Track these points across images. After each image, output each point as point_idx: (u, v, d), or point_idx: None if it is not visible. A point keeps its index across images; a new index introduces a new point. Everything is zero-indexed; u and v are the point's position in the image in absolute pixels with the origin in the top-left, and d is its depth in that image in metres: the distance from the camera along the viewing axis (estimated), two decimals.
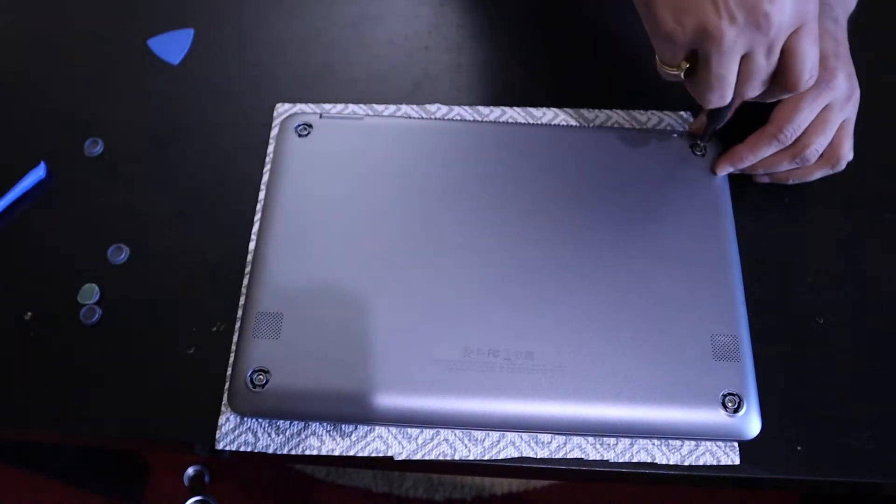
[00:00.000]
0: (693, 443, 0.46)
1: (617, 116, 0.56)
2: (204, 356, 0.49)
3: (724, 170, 0.52)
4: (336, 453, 0.46)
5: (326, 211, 0.50)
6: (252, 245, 0.52)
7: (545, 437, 0.46)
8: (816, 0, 0.42)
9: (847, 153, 0.50)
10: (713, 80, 0.43)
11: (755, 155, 0.51)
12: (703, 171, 0.52)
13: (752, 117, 0.51)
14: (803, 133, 0.49)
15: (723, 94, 0.44)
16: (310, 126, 0.53)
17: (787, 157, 0.50)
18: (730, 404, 0.44)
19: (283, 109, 0.57)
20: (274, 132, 0.56)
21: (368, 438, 0.46)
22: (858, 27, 0.54)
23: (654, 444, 0.46)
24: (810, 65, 0.43)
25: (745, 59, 0.43)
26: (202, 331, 0.50)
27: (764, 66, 0.43)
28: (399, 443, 0.46)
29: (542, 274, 0.48)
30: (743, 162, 0.51)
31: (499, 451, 0.46)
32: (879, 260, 0.52)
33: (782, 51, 0.42)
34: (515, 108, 0.57)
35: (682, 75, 0.45)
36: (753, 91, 0.45)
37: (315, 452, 0.46)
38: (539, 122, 0.56)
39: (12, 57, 0.60)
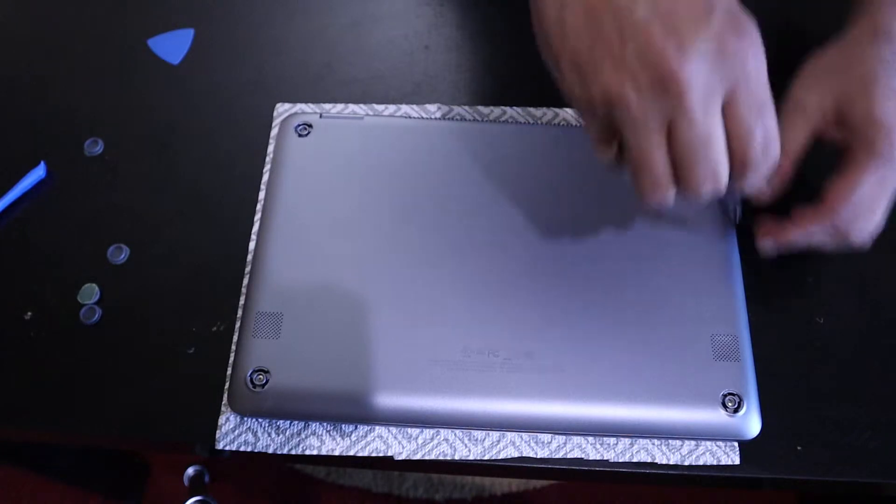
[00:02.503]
0: (693, 443, 0.46)
1: None
2: (204, 356, 0.49)
3: (768, 247, 0.45)
4: (336, 453, 0.46)
5: (326, 211, 0.50)
6: (252, 245, 0.52)
7: (545, 437, 0.46)
8: (759, 55, 0.34)
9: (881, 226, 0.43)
10: (635, 160, 0.35)
11: (806, 236, 0.43)
12: None
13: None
14: (855, 209, 0.42)
15: (655, 181, 0.35)
16: (310, 126, 0.53)
17: (836, 237, 0.43)
18: (730, 404, 0.44)
19: (283, 109, 0.57)
20: (274, 132, 0.56)
21: (368, 438, 0.46)
22: None
23: (654, 444, 0.46)
24: (757, 140, 0.34)
25: (671, 136, 0.34)
26: (202, 331, 0.50)
27: (694, 143, 0.34)
28: (399, 443, 0.46)
29: (542, 274, 0.48)
30: (791, 242, 0.44)
31: (499, 451, 0.46)
32: (879, 260, 0.52)
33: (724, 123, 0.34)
34: (515, 108, 0.57)
35: (617, 158, 0.37)
36: (696, 178, 0.35)
37: (315, 452, 0.46)
38: (539, 122, 0.56)
39: (12, 57, 0.60)
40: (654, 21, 0.32)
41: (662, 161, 0.35)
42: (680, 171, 0.35)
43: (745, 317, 0.47)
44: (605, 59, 0.33)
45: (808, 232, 0.43)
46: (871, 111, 0.42)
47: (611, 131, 0.36)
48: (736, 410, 0.44)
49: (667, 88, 0.32)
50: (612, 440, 0.46)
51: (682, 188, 0.36)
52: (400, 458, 0.46)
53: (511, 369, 0.45)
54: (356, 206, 0.50)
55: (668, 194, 0.36)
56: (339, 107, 0.57)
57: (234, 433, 0.47)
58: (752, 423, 0.45)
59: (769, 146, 0.35)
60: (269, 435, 0.47)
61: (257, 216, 0.53)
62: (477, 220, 0.49)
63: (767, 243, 0.45)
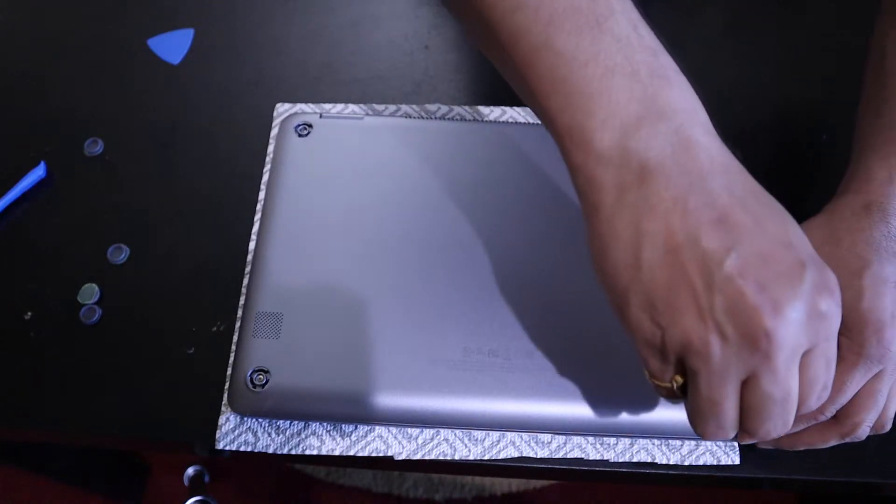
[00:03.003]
0: (693, 443, 0.46)
1: None
2: (204, 356, 0.49)
3: (763, 447, 0.45)
4: (336, 453, 0.46)
5: (326, 211, 0.50)
6: (252, 245, 0.52)
7: (545, 437, 0.46)
8: (839, 311, 0.32)
9: (891, 418, 0.41)
10: (704, 406, 0.33)
11: (796, 439, 0.43)
12: None
13: None
14: (851, 408, 0.40)
15: (720, 426, 0.34)
16: (310, 126, 0.53)
17: (835, 435, 0.41)
18: None
19: (283, 109, 0.57)
20: (274, 132, 0.56)
21: (368, 438, 0.46)
22: None
23: (654, 444, 0.46)
24: (818, 390, 0.34)
25: (748, 386, 0.33)
26: (202, 331, 0.50)
27: (772, 398, 0.32)
28: (399, 443, 0.46)
29: (543, 274, 0.48)
30: (782, 445, 0.43)
31: (499, 451, 0.46)
32: None
33: None
34: (515, 108, 0.57)
35: (678, 391, 0.35)
36: (766, 429, 0.34)
37: (315, 452, 0.46)
38: (539, 121, 0.56)
39: (12, 57, 0.60)
40: (746, 275, 0.31)
41: (733, 410, 0.34)
42: (750, 420, 0.34)
43: None
44: (689, 306, 0.31)
45: (799, 436, 0.42)
46: (857, 306, 0.39)
47: (674, 370, 0.34)
48: None
49: (757, 346, 0.31)
50: (612, 440, 0.46)
51: (746, 432, 0.35)
52: (400, 458, 0.46)
53: (511, 369, 0.45)
54: (356, 206, 0.50)
55: (730, 437, 0.36)
56: (339, 107, 0.57)
57: (234, 433, 0.47)
58: None
59: (825, 393, 0.34)
60: (269, 435, 0.47)
61: (257, 216, 0.53)
62: (477, 221, 0.49)
63: (762, 445, 0.44)
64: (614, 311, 0.35)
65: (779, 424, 0.34)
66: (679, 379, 0.34)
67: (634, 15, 0.34)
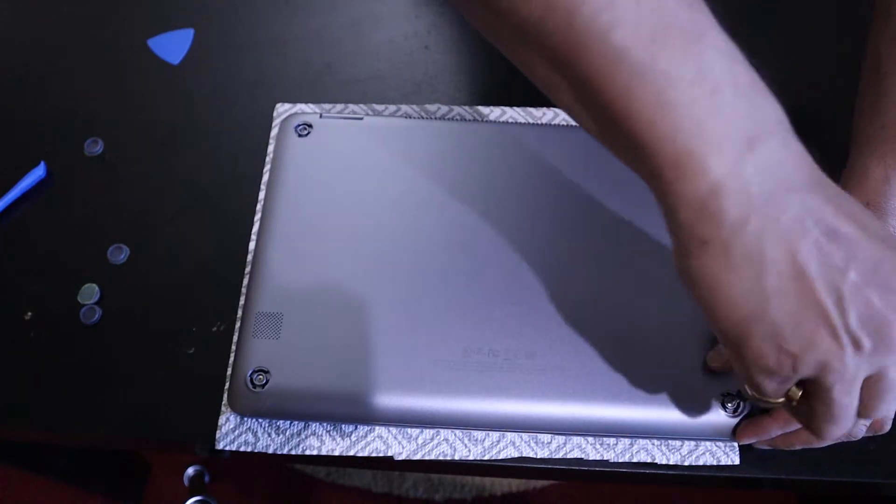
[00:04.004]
0: (693, 443, 0.46)
1: None
2: (204, 356, 0.49)
3: (748, 440, 0.44)
4: (336, 453, 0.46)
5: (326, 211, 0.50)
6: (252, 245, 0.52)
7: (545, 437, 0.46)
8: None
9: (890, 419, 0.40)
10: (838, 412, 0.34)
11: (784, 429, 0.43)
12: None
13: None
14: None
15: (846, 425, 0.35)
16: (310, 126, 0.53)
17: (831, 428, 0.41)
18: (729, 405, 0.44)
19: (283, 109, 0.57)
20: (274, 132, 0.56)
21: (368, 438, 0.46)
22: None
23: (654, 444, 0.46)
24: None
25: (874, 379, 0.34)
26: (202, 331, 0.50)
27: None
28: (399, 443, 0.46)
29: (543, 274, 0.48)
30: (769, 435, 0.43)
31: (499, 451, 0.46)
32: None
33: None
34: (515, 108, 0.57)
35: (792, 404, 0.36)
36: (888, 408, 0.35)
37: (315, 452, 0.46)
38: (539, 121, 0.56)
39: (12, 57, 0.60)
40: (869, 283, 0.31)
41: (855, 406, 0.35)
42: (870, 407, 0.35)
43: None
44: (821, 329, 0.31)
45: (788, 425, 0.42)
46: None
47: (797, 387, 0.35)
48: (735, 411, 0.44)
49: (891, 348, 0.32)
50: (612, 440, 0.46)
51: (865, 417, 0.36)
52: (400, 458, 0.46)
53: (511, 369, 0.45)
54: (356, 206, 0.50)
55: (850, 430, 0.37)
56: (339, 107, 0.57)
57: (234, 433, 0.47)
58: None
59: None
60: (269, 435, 0.47)
61: (257, 216, 0.53)
62: (477, 221, 0.49)
63: (747, 437, 0.44)
64: (728, 344, 0.34)
65: (890, 403, 0.35)
66: (797, 392, 0.35)
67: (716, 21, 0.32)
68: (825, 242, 0.31)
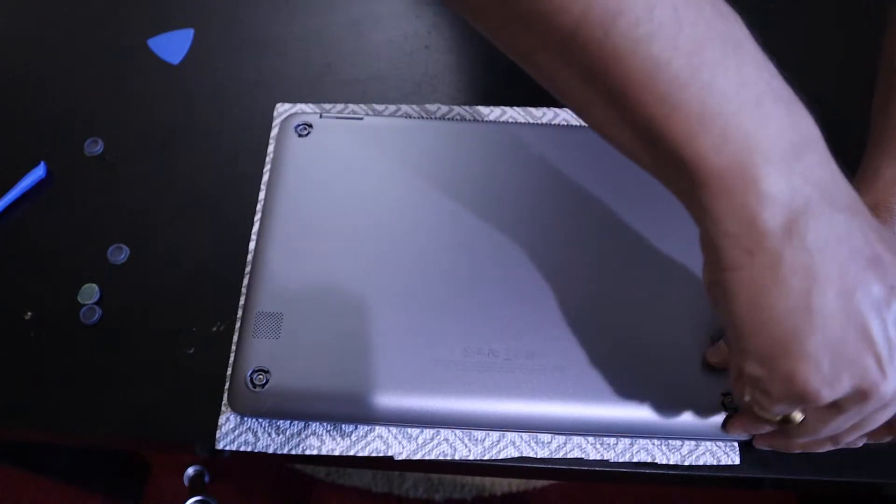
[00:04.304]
0: (693, 443, 0.46)
1: None
2: (204, 356, 0.49)
3: (738, 434, 0.44)
4: (336, 453, 0.46)
5: (326, 211, 0.50)
6: (252, 245, 0.52)
7: (545, 437, 0.46)
8: None
9: None
10: (848, 432, 0.36)
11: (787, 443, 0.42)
12: None
13: None
14: None
15: (839, 441, 0.37)
16: (310, 126, 0.53)
17: (829, 442, 0.40)
18: (729, 404, 0.44)
19: (283, 109, 0.57)
20: (274, 132, 0.56)
21: (368, 438, 0.46)
22: None
23: (654, 444, 0.46)
24: None
25: None
26: (202, 331, 0.50)
27: None
28: (399, 443, 0.46)
29: (543, 273, 0.48)
30: (760, 430, 0.43)
31: (499, 451, 0.46)
32: None
33: None
34: (515, 108, 0.57)
35: (791, 427, 0.36)
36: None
37: (315, 452, 0.46)
38: (539, 121, 0.56)
39: (12, 57, 0.60)
40: None
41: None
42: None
43: None
44: (866, 350, 0.31)
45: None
46: None
47: (800, 411, 0.36)
48: (735, 410, 0.44)
49: None
50: (612, 440, 0.46)
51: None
52: (400, 458, 0.46)
53: (511, 369, 0.45)
54: (356, 206, 0.50)
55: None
56: (339, 107, 0.57)
57: (234, 433, 0.47)
58: None
59: None
60: (269, 435, 0.47)
61: (257, 216, 0.53)
62: (477, 220, 0.49)
63: (737, 430, 0.44)
64: (761, 357, 0.33)
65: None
66: (798, 416, 0.36)
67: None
68: (870, 267, 0.31)
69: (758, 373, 0.33)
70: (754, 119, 0.29)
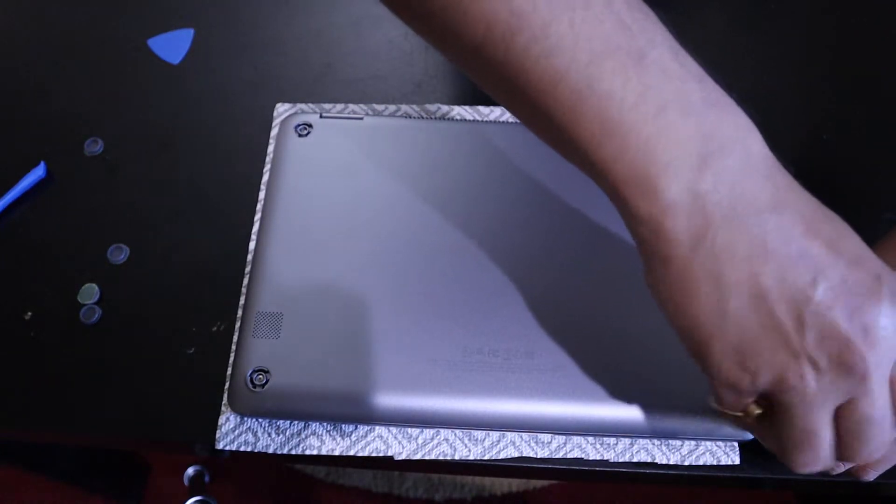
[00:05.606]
0: (693, 443, 0.46)
1: None
2: (204, 356, 0.49)
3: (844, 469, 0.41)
4: (336, 453, 0.46)
5: (326, 211, 0.50)
6: (252, 245, 0.52)
7: (545, 437, 0.46)
8: None
9: (872, 460, 0.37)
10: (800, 437, 0.33)
11: (887, 449, 0.40)
12: None
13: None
14: None
15: (817, 456, 0.34)
16: (310, 126, 0.53)
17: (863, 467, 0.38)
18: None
19: (283, 109, 0.57)
20: (274, 132, 0.56)
21: (368, 438, 0.46)
22: None
23: (654, 444, 0.46)
24: None
25: (845, 411, 0.33)
26: (202, 331, 0.50)
27: (871, 421, 0.32)
28: (399, 443, 0.46)
29: (543, 273, 0.48)
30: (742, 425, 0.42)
31: (499, 451, 0.46)
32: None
33: None
34: None
35: (751, 420, 0.36)
36: (868, 451, 0.34)
37: (315, 452, 0.46)
38: None
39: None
40: (834, 305, 0.31)
41: (829, 439, 0.34)
42: (850, 445, 0.34)
43: None
44: (780, 348, 0.31)
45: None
46: None
47: (756, 405, 0.35)
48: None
49: (853, 372, 0.31)
50: (612, 440, 0.46)
51: (847, 458, 0.35)
52: (400, 458, 0.46)
53: (511, 369, 0.45)
54: (356, 206, 0.50)
55: (826, 467, 0.36)
56: (339, 107, 0.57)
57: (234, 433, 0.47)
58: None
59: None
60: (269, 435, 0.47)
61: (257, 216, 0.53)
62: (477, 220, 0.49)
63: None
64: (692, 355, 0.34)
65: (880, 444, 0.34)
66: (755, 410, 0.35)
67: (674, 43, 0.32)
68: (791, 263, 0.31)
69: (700, 369, 0.35)
70: (655, 127, 0.30)
